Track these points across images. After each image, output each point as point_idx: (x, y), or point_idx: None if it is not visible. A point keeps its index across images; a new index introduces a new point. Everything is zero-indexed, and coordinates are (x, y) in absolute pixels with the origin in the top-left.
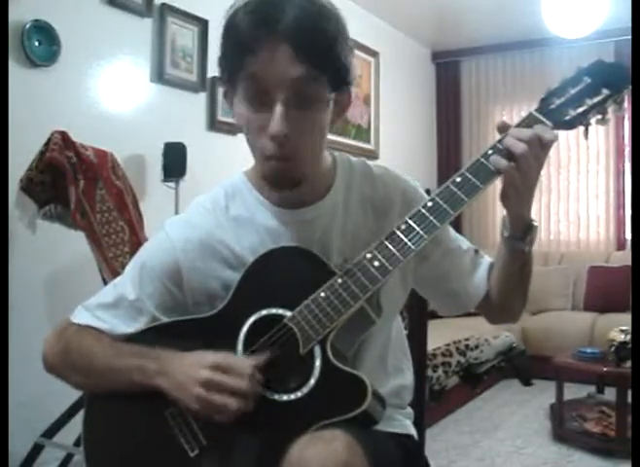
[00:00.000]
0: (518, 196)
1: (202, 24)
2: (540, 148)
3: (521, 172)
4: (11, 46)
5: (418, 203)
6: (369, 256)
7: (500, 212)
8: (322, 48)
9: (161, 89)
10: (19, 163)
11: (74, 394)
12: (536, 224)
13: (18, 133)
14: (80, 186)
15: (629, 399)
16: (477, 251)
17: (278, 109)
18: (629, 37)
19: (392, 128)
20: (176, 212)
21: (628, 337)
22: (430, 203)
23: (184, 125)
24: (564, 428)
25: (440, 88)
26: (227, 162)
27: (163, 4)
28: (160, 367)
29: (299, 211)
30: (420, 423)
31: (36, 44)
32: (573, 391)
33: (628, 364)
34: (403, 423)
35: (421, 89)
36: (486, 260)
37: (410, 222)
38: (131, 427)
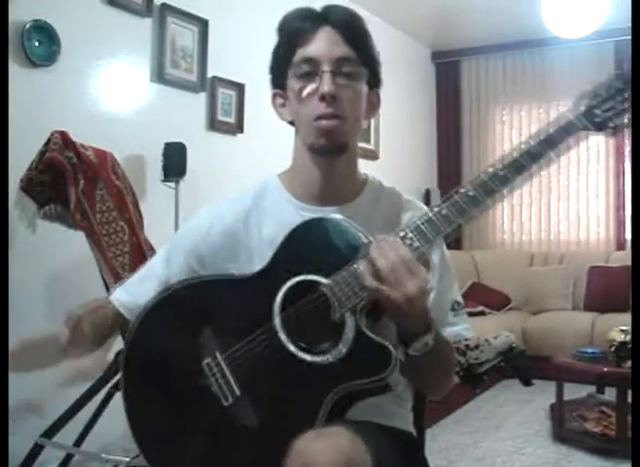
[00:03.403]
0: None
1: (202, 24)
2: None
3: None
4: (11, 46)
5: None
6: (402, 234)
7: (501, 212)
8: (362, 38)
9: (161, 89)
10: (19, 163)
11: (74, 394)
12: (426, 340)
13: (18, 133)
14: (80, 186)
15: (629, 399)
16: (454, 308)
17: (327, 75)
18: (629, 37)
19: (392, 128)
20: (176, 212)
21: (628, 337)
22: (472, 192)
23: (184, 124)
24: (564, 428)
25: (440, 88)
26: (227, 162)
27: (163, 4)
28: None
29: (323, 209)
30: (420, 423)
31: (36, 44)
32: (573, 391)
33: (628, 364)
34: (404, 418)
35: (421, 89)
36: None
37: (444, 206)
38: (169, 377)
